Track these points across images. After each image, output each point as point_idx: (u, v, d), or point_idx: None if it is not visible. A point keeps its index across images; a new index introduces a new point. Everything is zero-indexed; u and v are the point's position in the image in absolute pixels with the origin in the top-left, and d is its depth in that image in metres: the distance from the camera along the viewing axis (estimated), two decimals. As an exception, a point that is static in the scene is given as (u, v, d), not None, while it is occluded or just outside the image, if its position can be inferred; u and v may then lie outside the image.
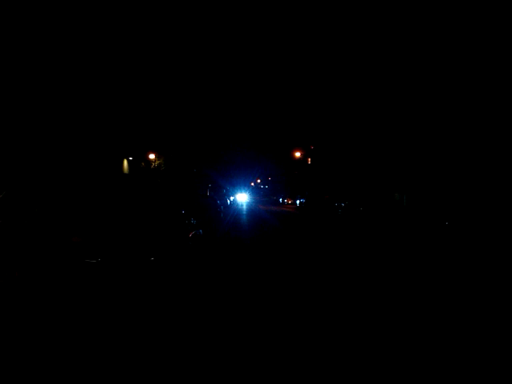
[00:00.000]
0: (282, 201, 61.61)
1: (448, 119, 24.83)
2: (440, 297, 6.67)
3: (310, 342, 4.58)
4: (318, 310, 5.83)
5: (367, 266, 9.31)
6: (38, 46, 18.21)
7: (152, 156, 35.87)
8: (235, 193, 71.17)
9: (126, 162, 31.38)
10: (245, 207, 47.36)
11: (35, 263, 7.55)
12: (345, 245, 13.63)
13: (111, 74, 24.69)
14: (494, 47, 21.24)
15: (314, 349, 4.39)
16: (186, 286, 7.10)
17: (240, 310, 5.71)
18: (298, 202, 48.34)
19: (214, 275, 8.03)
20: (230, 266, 8.98)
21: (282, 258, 10.43)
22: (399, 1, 27.97)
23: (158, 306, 5.84)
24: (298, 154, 64.91)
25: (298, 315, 5.53)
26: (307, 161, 64.83)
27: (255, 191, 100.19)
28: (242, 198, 67.59)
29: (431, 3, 24.47)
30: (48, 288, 6.65)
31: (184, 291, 6.70)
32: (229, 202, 41.88)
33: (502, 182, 20.42)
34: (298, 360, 4.09)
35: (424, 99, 27.02)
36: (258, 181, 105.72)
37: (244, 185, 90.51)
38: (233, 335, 4.75)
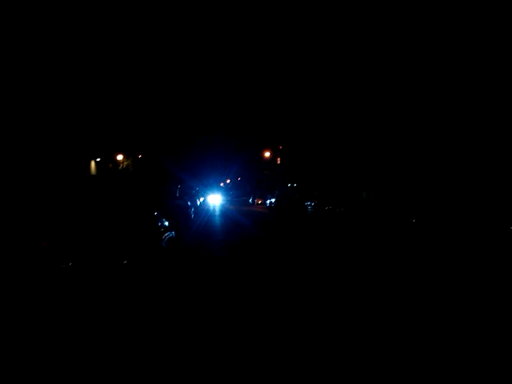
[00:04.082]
0: (253, 201, 61.63)
1: (412, 117, 25.56)
2: (404, 293, 6.89)
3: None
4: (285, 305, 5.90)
5: (337, 265, 9.48)
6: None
7: (120, 157, 35.07)
8: (205, 193, 70.28)
9: (93, 163, 30.56)
10: (216, 208, 47.15)
11: (2, 268, 7.27)
12: (314, 243, 13.83)
13: (76, 73, 24.03)
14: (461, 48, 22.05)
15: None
16: (160, 289, 7.03)
17: (214, 315, 5.71)
18: (268, 201, 48.46)
19: (189, 278, 7.97)
20: (205, 269, 8.95)
21: (255, 258, 10.49)
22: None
23: (133, 311, 5.76)
24: (267, 154, 65.17)
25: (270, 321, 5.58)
26: (277, 160, 65.20)
27: (225, 192, 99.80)
28: (214, 200, 65.48)
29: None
30: (17, 294, 6.41)
31: (158, 295, 6.63)
32: (199, 203, 41.58)
33: (467, 179, 21.24)
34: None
35: (389, 98, 27.71)
36: (228, 181, 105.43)
37: (214, 185, 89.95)
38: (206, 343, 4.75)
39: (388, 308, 5.91)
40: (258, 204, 56.00)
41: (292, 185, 49.73)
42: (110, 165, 34.36)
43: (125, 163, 35.89)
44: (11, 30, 18.48)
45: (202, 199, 53.90)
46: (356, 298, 6.41)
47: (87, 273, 6.76)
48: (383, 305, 6.07)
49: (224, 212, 37.67)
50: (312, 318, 5.40)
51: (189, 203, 23.91)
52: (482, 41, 20.64)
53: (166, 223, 10.25)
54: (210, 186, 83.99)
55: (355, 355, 4.22)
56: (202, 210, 37.53)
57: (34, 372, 3.87)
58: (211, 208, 46.83)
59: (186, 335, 4.77)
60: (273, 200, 44.43)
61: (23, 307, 5.81)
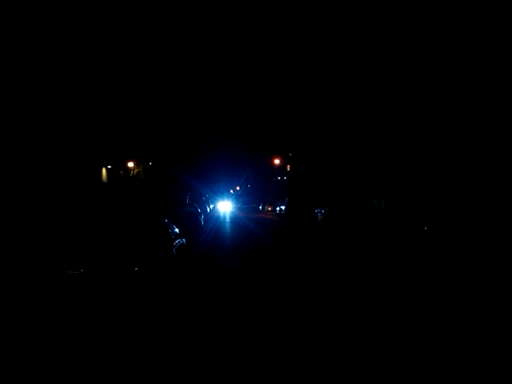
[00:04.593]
0: (262, 208, 61.54)
1: (424, 124, 25.38)
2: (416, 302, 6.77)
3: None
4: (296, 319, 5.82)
5: (349, 274, 9.37)
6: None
7: (131, 164, 35.38)
8: (215, 200, 70.35)
9: (104, 170, 30.85)
10: (226, 215, 47.16)
11: (15, 274, 7.30)
12: (325, 253, 13.71)
13: (89, 82, 24.35)
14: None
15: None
16: (171, 297, 6.99)
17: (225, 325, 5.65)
18: (277, 208, 48.31)
19: (200, 286, 7.93)
20: (216, 277, 8.90)
21: (265, 267, 10.42)
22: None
23: (144, 318, 5.73)
24: (277, 161, 65.20)
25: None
26: (286, 168, 65.21)
27: (235, 199, 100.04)
28: (223, 207, 65.32)
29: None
30: (28, 300, 6.43)
31: (169, 303, 6.60)
32: (208, 209, 41.63)
33: (480, 186, 20.95)
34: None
35: (400, 106, 27.57)
36: (238, 188, 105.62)
37: (224, 192, 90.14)
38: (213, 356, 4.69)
39: (400, 317, 5.80)
40: (267, 211, 55.89)
41: (302, 192, 49.57)
42: (121, 172, 34.67)
43: (135, 170, 36.19)
44: (22, 38, 18.80)
45: (211, 206, 53.99)
46: (368, 308, 6.31)
47: (98, 279, 6.75)
48: (396, 315, 5.96)
49: (234, 219, 37.68)
50: (321, 331, 5.33)
51: (199, 210, 23.95)
52: (483, 41, 20.42)
53: (177, 230, 10.23)
54: (220, 192, 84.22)
55: (370, 367, 4.15)
56: (212, 217, 37.55)
57: (44, 376, 3.85)
58: (221, 215, 46.85)
59: (195, 342, 4.72)
60: (283, 207, 44.28)
61: (34, 313, 5.81)
